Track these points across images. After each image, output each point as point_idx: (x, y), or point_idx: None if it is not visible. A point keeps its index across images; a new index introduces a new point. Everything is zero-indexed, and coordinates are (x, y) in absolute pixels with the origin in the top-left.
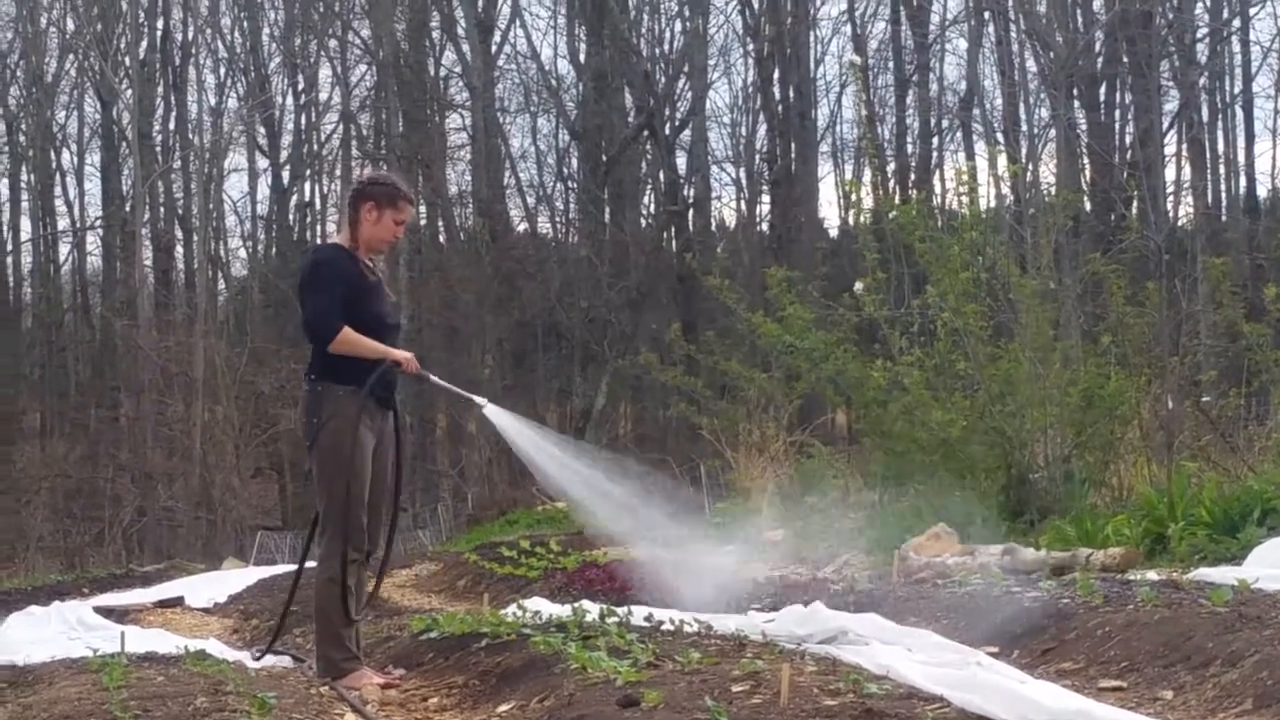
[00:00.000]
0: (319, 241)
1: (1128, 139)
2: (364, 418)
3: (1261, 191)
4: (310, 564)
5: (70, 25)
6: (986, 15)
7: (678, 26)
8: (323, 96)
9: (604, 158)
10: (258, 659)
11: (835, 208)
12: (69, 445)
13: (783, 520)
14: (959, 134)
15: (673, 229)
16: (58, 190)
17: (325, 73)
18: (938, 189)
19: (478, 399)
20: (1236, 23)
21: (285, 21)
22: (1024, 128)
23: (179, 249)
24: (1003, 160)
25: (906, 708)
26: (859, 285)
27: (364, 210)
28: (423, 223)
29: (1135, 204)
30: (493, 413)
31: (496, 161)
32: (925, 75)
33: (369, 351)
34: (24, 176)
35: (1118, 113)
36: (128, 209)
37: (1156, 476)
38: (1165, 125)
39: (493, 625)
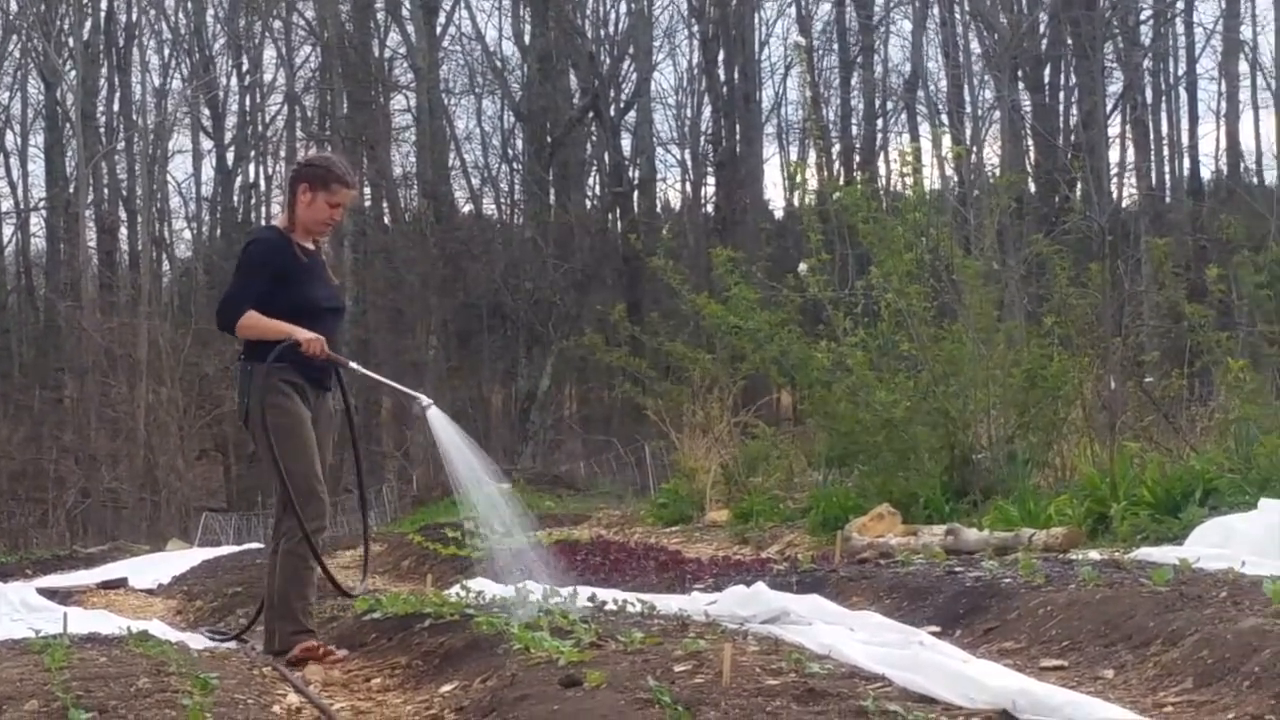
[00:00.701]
0: (263, 223)
1: (1072, 120)
2: (294, 395)
3: (1205, 173)
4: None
5: (13, 6)
6: None
7: (622, 8)
8: (267, 78)
9: (549, 139)
10: (221, 640)
11: (780, 189)
12: (12, 427)
13: (727, 501)
14: (903, 116)
15: (618, 210)
16: (1, 171)
17: (270, 54)
18: (882, 170)
19: (422, 399)
20: (1180, 4)
21: (229, 2)
22: (968, 109)
23: (123, 230)
24: (947, 141)
25: (848, 687)
26: (803, 266)
27: (299, 192)
28: (367, 204)
29: (1079, 185)
30: (435, 415)
31: (441, 143)
32: (870, 57)
33: (274, 333)
34: None
35: (1062, 94)
36: (71, 190)
37: (1099, 457)
38: (1109, 107)
39: (436, 606)
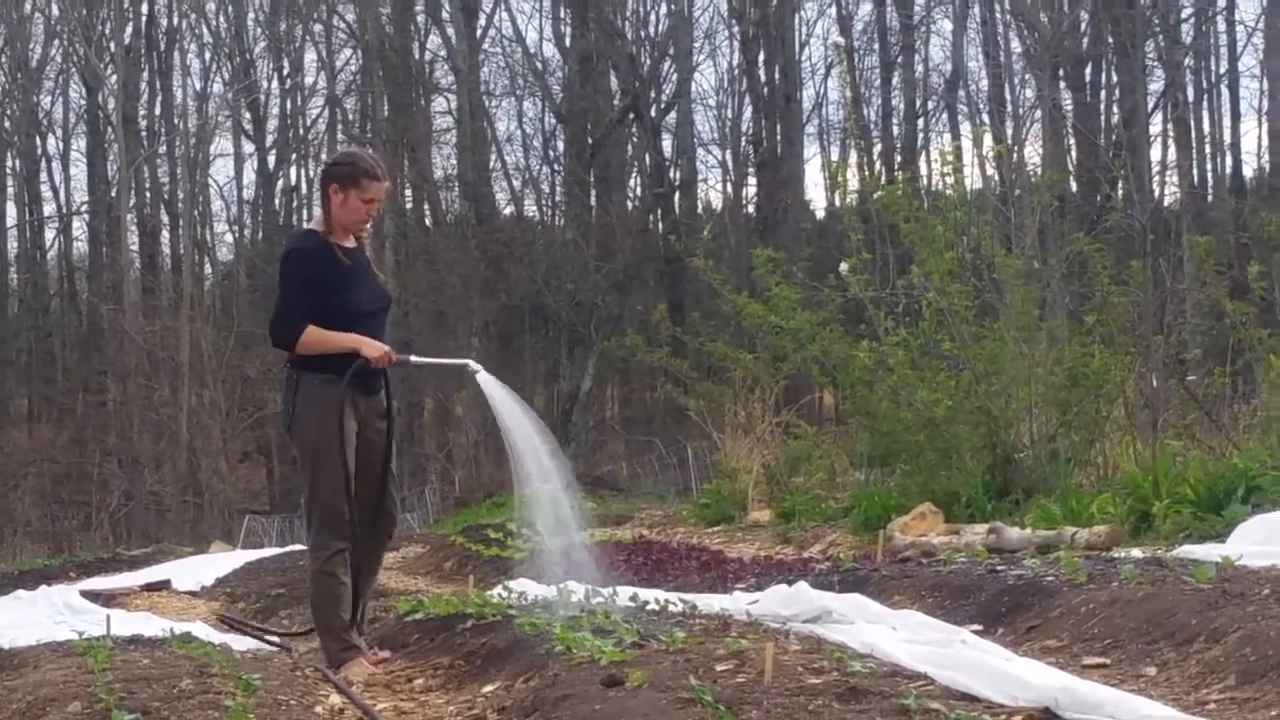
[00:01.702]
0: (304, 226)
1: (1113, 119)
2: (344, 405)
3: (1247, 170)
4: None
5: (55, 11)
6: None
7: (663, 9)
8: (308, 80)
9: (590, 140)
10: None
11: (821, 189)
12: (56, 430)
13: (769, 501)
14: (944, 115)
15: (659, 211)
16: (43, 176)
17: (310, 57)
18: (923, 170)
19: (470, 364)
20: (1221, 2)
21: (270, 6)
22: (1009, 108)
23: (165, 234)
24: (988, 140)
25: (890, 685)
26: (844, 266)
27: (330, 193)
28: (408, 206)
29: (1120, 184)
30: (485, 379)
31: (482, 145)
32: (910, 57)
33: (337, 347)
34: (9, 162)
35: (1103, 93)
36: (113, 194)
37: (1141, 455)
38: (1151, 105)
39: (478, 606)
